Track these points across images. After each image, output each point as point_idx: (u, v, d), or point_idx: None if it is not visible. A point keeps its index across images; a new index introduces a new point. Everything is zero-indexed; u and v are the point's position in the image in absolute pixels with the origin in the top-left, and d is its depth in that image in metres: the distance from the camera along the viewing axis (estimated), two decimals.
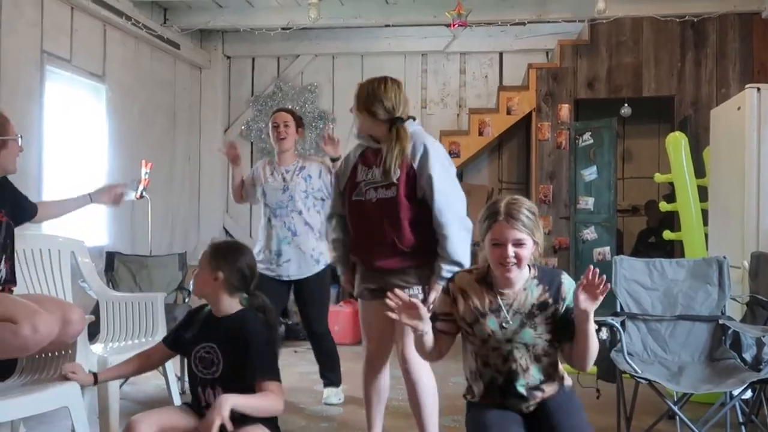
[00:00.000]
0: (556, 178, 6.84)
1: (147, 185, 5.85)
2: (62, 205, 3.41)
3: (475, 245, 2.73)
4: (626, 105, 6.83)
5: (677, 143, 5.41)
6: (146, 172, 5.85)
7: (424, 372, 2.96)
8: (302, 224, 4.12)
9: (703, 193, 5.37)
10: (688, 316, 3.50)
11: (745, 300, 3.84)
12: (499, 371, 2.29)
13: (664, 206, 5.73)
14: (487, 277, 2.31)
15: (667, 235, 5.81)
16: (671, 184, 5.59)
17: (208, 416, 2.30)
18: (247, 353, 2.47)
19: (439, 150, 2.96)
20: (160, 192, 6.66)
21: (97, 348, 3.70)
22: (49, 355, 2.95)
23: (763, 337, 3.18)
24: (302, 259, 4.11)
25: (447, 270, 2.84)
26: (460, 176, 6.52)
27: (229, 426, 2.28)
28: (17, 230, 3.17)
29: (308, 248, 4.12)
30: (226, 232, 7.81)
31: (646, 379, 3.00)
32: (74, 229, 5.21)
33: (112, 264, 4.76)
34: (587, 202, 6.48)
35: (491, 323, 2.26)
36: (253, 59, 7.88)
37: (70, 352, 2.90)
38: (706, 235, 5.24)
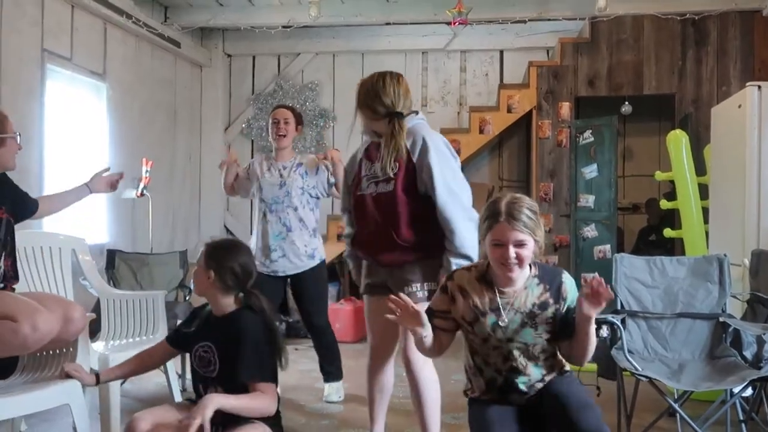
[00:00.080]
0: (557, 176, 6.84)
1: (148, 183, 5.87)
2: (62, 199, 3.40)
3: None
4: (627, 103, 6.83)
5: (678, 141, 5.41)
6: (147, 171, 5.87)
7: (426, 369, 2.96)
8: (297, 220, 4.14)
9: (703, 191, 5.37)
10: (688, 314, 3.50)
11: (746, 298, 3.84)
12: (499, 370, 2.29)
13: (664, 204, 5.73)
14: (487, 275, 2.30)
15: (668, 233, 5.81)
16: (672, 182, 5.59)
17: (190, 414, 2.30)
18: (239, 353, 2.47)
19: (439, 143, 2.93)
20: (161, 190, 6.66)
21: (98, 346, 3.71)
22: (51, 353, 2.96)
23: (764, 334, 3.18)
24: (296, 254, 4.12)
25: (456, 264, 2.82)
26: None
27: (207, 428, 2.27)
28: (18, 227, 3.18)
29: (301, 244, 4.13)
30: (227, 230, 7.81)
31: (646, 377, 3.00)
32: (75, 227, 5.22)
33: (113, 262, 4.76)
34: (588, 200, 6.47)
35: (492, 322, 2.25)
36: (254, 57, 7.88)
37: (71, 350, 2.91)
38: (707, 233, 5.24)
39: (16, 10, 4.84)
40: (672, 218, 6.28)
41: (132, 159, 6.14)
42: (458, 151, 6.90)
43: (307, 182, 4.20)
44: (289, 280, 4.24)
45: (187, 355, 2.85)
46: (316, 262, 4.20)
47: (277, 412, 2.69)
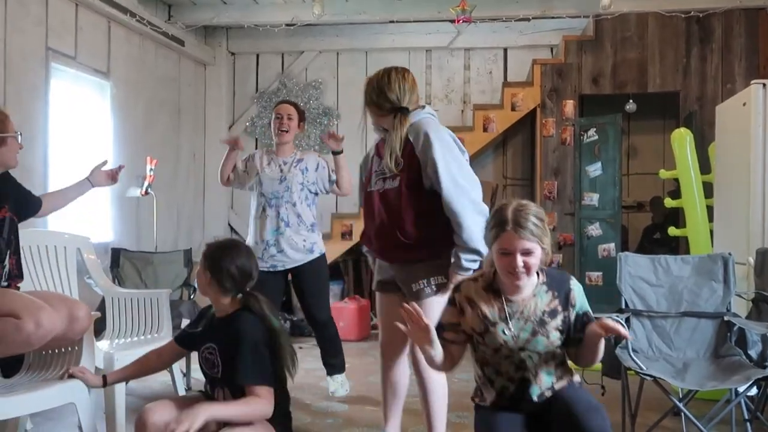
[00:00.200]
0: (561, 174, 6.82)
1: (152, 182, 5.88)
2: (64, 195, 3.40)
3: None
4: (631, 101, 6.80)
5: (682, 139, 5.40)
6: (151, 169, 5.89)
7: (433, 371, 2.96)
8: (294, 216, 4.15)
9: (708, 190, 5.36)
10: (693, 313, 3.50)
11: (751, 296, 3.84)
12: (511, 379, 2.27)
13: (669, 202, 5.72)
14: (494, 284, 2.28)
15: (672, 231, 5.80)
16: (676, 180, 5.59)
17: (178, 418, 2.29)
18: (236, 355, 2.47)
19: (444, 137, 2.91)
20: (165, 188, 6.67)
21: (103, 344, 3.72)
22: (56, 351, 2.97)
23: None
24: (294, 248, 4.14)
25: (465, 259, 2.83)
26: None
27: None
28: (23, 226, 3.19)
29: (299, 239, 4.15)
30: (231, 228, 7.82)
31: (651, 376, 3.00)
32: (80, 226, 5.23)
33: (117, 260, 4.78)
34: (592, 198, 6.46)
35: (502, 332, 2.23)
36: (258, 56, 7.88)
37: (76, 348, 2.91)
38: (712, 232, 5.24)
39: (20, 9, 4.85)
40: (676, 217, 6.27)
41: (136, 157, 6.14)
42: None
43: (308, 178, 4.21)
44: (289, 275, 4.25)
45: (193, 354, 2.86)
46: (315, 255, 4.21)
47: (288, 412, 2.70)
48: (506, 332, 2.23)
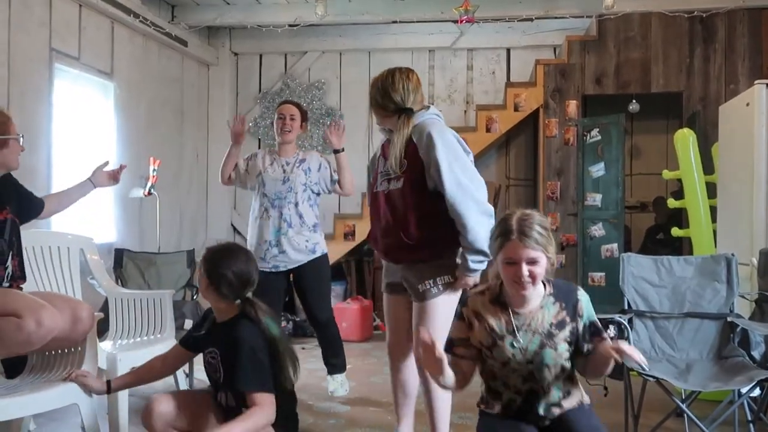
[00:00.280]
0: (564, 174, 6.82)
1: (155, 182, 5.89)
2: (67, 196, 3.40)
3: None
4: (634, 101, 6.80)
5: (685, 139, 5.39)
6: (154, 169, 5.89)
7: None
8: (297, 216, 4.15)
9: (711, 190, 5.35)
10: (696, 314, 3.49)
11: (754, 297, 3.83)
12: (519, 392, 2.25)
13: (672, 203, 5.71)
14: (501, 297, 2.26)
15: (676, 232, 5.79)
16: (679, 180, 5.58)
17: None
18: (235, 363, 2.47)
19: (447, 138, 2.90)
20: (168, 189, 6.68)
21: (106, 345, 3.72)
22: (59, 352, 2.97)
23: None
24: (296, 249, 4.14)
25: (472, 260, 2.84)
26: None
27: None
28: (27, 227, 3.19)
29: (302, 240, 4.15)
30: (234, 229, 7.83)
31: (653, 377, 2.99)
32: (83, 226, 5.24)
33: (120, 261, 4.79)
34: (595, 199, 6.46)
35: (510, 346, 2.21)
36: (261, 56, 7.89)
37: (79, 349, 2.92)
38: (715, 232, 5.23)
39: (24, 10, 4.86)
40: (680, 217, 6.26)
41: (139, 158, 6.15)
42: None
43: (310, 178, 4.21)
44: (291, 275, 4.25)
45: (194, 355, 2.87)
46: (317, 255, 4.21)
47: (294, 415, 2.70)
48: (515, 345, 2.20)
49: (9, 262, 2.93)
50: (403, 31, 7.39)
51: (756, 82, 4.63)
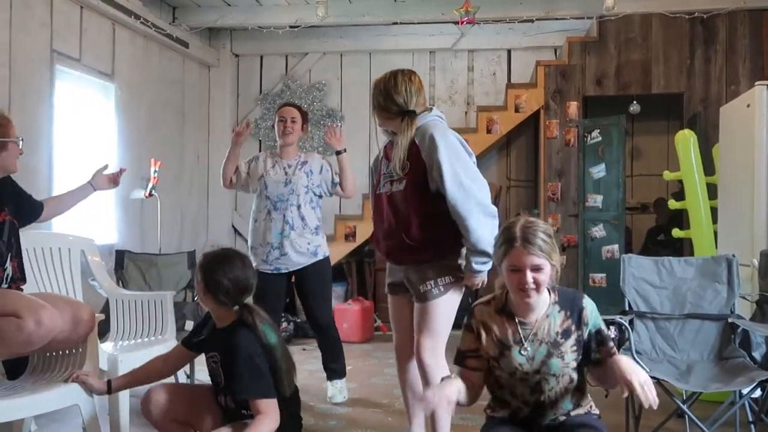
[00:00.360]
0: (565, 175, 6.82)
1: (156, 183, 5.89)
2: (67, 199, 3.40)
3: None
4: (635, 102, 6.80)
5: (686, 141, 5.39)
6: (155, 171, 5.89)
7: (438, 373, 2.96)
8: (299, 219, 4.15)
9: (712, 191, 5.35)
10: (697, 315, 3.49)
11: (755, 298, 3.83)
12: (526, 402, 2.24)
13: (673, 204, 5.71)
14: (507, 307, 2.26)
15: (676, 233, 5.79)
16: (680, 181, 5.58)
17: None
18: (234, 370, 2.48)
19: (451, 139, 2.92)
20: (169, 190, 6.68)
21: (107, 346, 3.73)
22: (60, 353, 2.97)
23: None
24: (298, 251, 4.14)
25: (476, 262, 2.86)
26: None
27: None
28: (27, 228, 3.19)
29: (303, 242, 4.14)
30: (235, 230, 7.83)
31: (654, 378, 2.98)
32: (84, 228, 5.25)
33: (121, 262, 4.78)
34: (596, 200, 6.46)
35: (517, 356, 2.21)
36: (262, 57, 7.90)
37: (80, 350, 2.92)
38: (716, 233, 5.23)
39: (25, 12, 4.87)
40: (680, 218, 6.26)
41: (140, 159, 6.16)
42: None
43: (312, 180, 4.21)
44: (293, 277, 4.25)
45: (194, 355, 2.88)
46: (319, 258, 4.21)
47: (299, 417, 2.71)
48: (522, 353, 2.20)
49: (8, 264, 2.93)
50: (403, 33, 7.39)
51: (757, 83, 4.63)
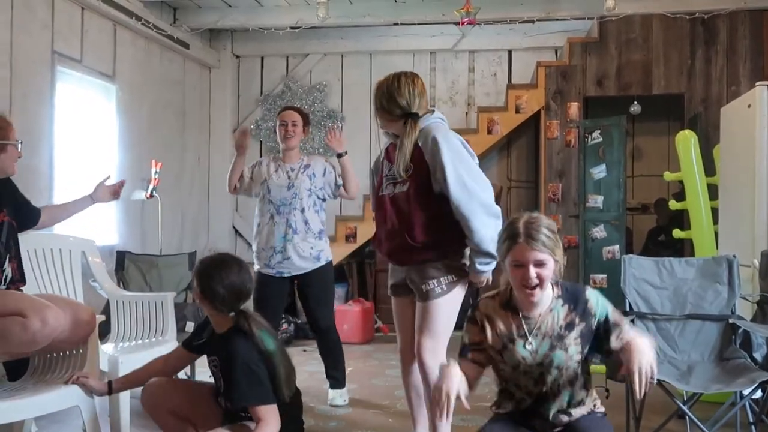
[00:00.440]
0: (565, 176, 6.82)
1: (157, 185, 5.90)
2: (65, 209, 3.42)
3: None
4: (636, 103, 6.79)
5: (687, 141, 5.38)
6: (156, 172, 5.90)
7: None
8: (302, 223, 4.15)
9: (713, 192, 5.35)
10: (697, 316, 3.49)
11: (756, 299, 3.83)
12: (530, 393, 2.26)
13: (673, 204, 5.71)
14: (511, 302, 2.27)
15: (677, 233, 5.79)
16: (681, 182, 5.57)
17: None
18: (231, 378, 2.48)
19: (452, 142, 2.94)
20: (170, 191, 6.69)
21: (108, 347, 3.73)
22: (61, 354, 2.97)
23: None
24: (301, 256, 4.13)
25: (479, 262, 2.89)
26: None
27: None
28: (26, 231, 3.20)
29: (307, 246, 4.14)
30: (236, 231, 7.83)
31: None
32: (85, 229, 5.25)
33: (122, 263, 4.78)
34: (596, 201, 6.44)
35: (521, 349, 2.22)
36: (262, 58, 7.90)
37: (81, 351, 2.92)
38: (716, 234, 5.22)
39: (26, 13, 4.87)
40: (681, 219, 6.26)
41: (141, 160, 6.17)
42: None
43: (315, 183, 4.21)
44: (295, 281, 4.25)
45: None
46: (321, 263, 4.21)
47: (300, 422, 2.71)
48: (526, 347, 2.21)
49: (7, 265, 2.93)
50: (404, 34, 7.39)
51: (757, 83, 4.63)
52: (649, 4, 6.49)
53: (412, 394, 3.22)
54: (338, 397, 4.26)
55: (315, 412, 4.10)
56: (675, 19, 6.59)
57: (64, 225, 5.12)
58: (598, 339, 2.23)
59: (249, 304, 2.67)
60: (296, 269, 4.16)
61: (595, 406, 2.31)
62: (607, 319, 2.23)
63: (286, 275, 4.17)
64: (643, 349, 2.04)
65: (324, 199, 4.27)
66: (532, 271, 2.14)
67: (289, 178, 4.19)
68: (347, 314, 6.29)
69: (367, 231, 6.68)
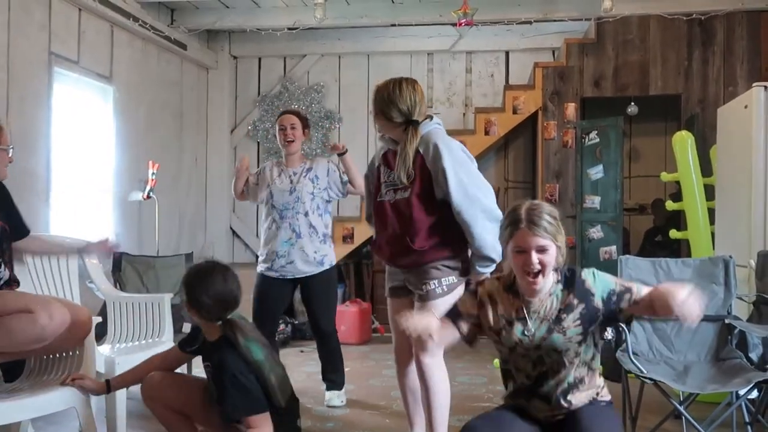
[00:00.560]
0: (563, 177, 6.82)
1: (154, 186, 5.90)
2: (50, 245, 3.37)
3: None
4: (633, 103, 6.80)
5: (684, 142, 5.39)
6: (153, 173, 5.90)
7: (437, 373, 2.98)
8: (307, 226, 4.14)
9: (709, 192, 5.36)
10: None
11: (752, 299, 3.83)
12: (529, 375, 2.28)
13: (670, 205, 5.71)
14: (514, 286, 2.28)
15: (674, 234, 5.79)
16: (678, 183, 5.58)
17: None
18: (221, 389, 2.49)
19: (453, 148, 2.98)
20: (167, 192, 6.68)
21: (105, 349, 3.73)
22: (57, 356, 2.98)
23: None
24: (305, 260, 4.13)
25: (479, 265, 2.94)
26: None
27: None
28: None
29: (311, 251, 4.14)
30: (233, 232, 7.83)
31: (651, 379, 2.99)
32: (81, 230, 5.24)
33: (119, 265, 4.78)
34: (593, 201, 6.46)
35: (518, 332, 2.24)
36: (260, 59, 7.89)
37: (77, 353, 2.92)
38: (713, 234, 5.23)
39: (23, 14, 4.87)
40: (678, 219, 6.26)
41: (138, 161, 6.16)
42: None
43: (318, 185, 4.20)
44: (299, 283, 4.25)
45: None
46: (325, 267, 4.21)
47: (296, 428, 2.72)
48: (523, 332, 2.23)
49: (4, 268, 2.93)
50: (401, 34, 7.39)
51: (754, 84, 4.64)
52: (646, 5, 6.50)
53: (408, 395, 3.23)
54: (335, 398, 4.27)
55: (312, 413, 4.10)
56: (672, 20, 6.60)
57: (61, 226, 5.15)
58: (612, 312, 2.21)
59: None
60: (299, 273, 4.16)
61: (598, 394, 2.30)
62: (611, 292, 2.22)
63: (288, 277, 4.17)
64: (675, 294, 2.00)
65: (329, 201, 4.27)
66: (534, 257, 2.15)
67: (291, 182, 4.20)
68: (344, 315, 6.29)
69: (364, 232, 6.68)
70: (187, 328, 4.42)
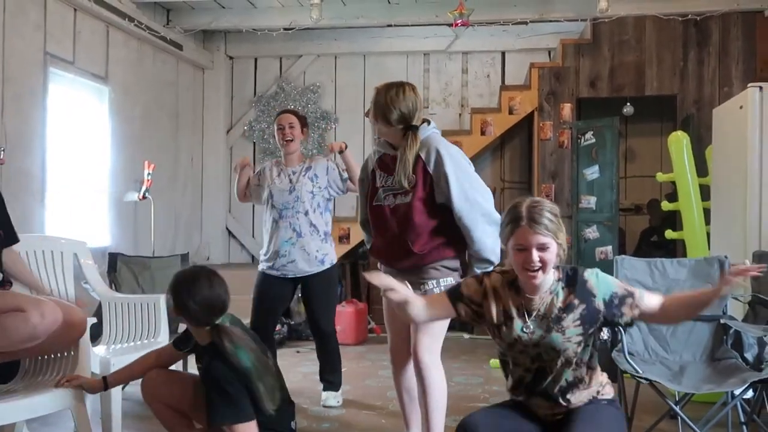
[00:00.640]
0: (559, 177, 6.83)
1: (149, 186, 5.89)
2: (28, 273, 3.27)
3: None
4: (628, 104, 6.81)
5: (679, 142, 5.40)
6: (149, 173, 5.89)
7: (435, 372, 2.98)
8: (307, 225, 4.15)
9: (705, 192, 5.37)
10: None
11: (747, 299, 3.84)
12: (528, 370, 2.29)
13: (666, 205, 5.72)
14: (516, 282, 2.29)
15: (669, 234, 5.80)
16: (673, 183, 5.59)
17: None
18: (207, 394, 2.50)
19: (453, 152, 3.02)
20: (163, 193, 6.67)
21: (100, 349, 3.72)
22: (52, 357, 2.97)
23: (765, 336, 3.19)
24: (306, 259, 4.13)
25: (479, 267, 2.96)
26: None
27: None
28: (20, 232, 3.18)
29: (312, 249, 4.14)
30: (229, 232, 7.82)
31: (647, 379, 3.00)
32: (77, 231, 5.24)
33: (114, 265, 4.77)
34: (589, 201, 6.47)
35: (518, 328, 2.24)
36: (256, 60, 7.89)
37: (72, 353, 2.92)
38: (708, 235, 5.24)
39: (19, 14, 4.86)
40: (674, 219, 6.27)
41: (134, 162, 6.15)
42: None
43: (318, 184, 4.20)
44: (299, 283, 4.25)
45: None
46: (326, 266, 4.21)
47: (291, 430, 2.72)
48: (523, 329, 2.23)
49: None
50: (398, 35, 7.40)
51: (749, 85, 4.65)
52: (641, 5, 6.51)
53: (404, 395, 3.23)
54: (332, 398, 4.26)
55: (308, 413, 4.10)
56: (668, 21, 6.61)
57: (56, 227, 5.14)
58: (613, 315, 2.22)
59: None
60: (301, 272, 4.16)
61: (599, 392, 2.30)
62: (614, 294, 2.23)
63: (290, 276, 4.17)
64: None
65: (329, 199, 4.28)
66: (535, 254, 2.15)
67: (290, 181, 4.20)
68: (341, 315, 6.27)
69: (360, 232, 6.65)
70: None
